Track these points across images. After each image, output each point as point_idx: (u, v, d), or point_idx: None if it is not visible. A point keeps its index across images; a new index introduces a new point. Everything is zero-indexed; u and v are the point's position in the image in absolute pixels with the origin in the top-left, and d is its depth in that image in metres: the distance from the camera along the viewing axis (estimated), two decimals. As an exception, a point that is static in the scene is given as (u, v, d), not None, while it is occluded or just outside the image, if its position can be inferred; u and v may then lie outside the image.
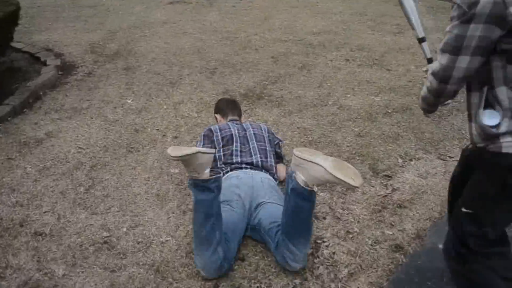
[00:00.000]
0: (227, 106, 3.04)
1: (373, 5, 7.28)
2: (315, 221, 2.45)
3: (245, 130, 2.76)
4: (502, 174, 1.47)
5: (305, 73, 4.48)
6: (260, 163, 2.58)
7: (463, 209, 1.61)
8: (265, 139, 2.74)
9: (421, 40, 1.90)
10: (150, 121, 3.59)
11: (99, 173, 2.93)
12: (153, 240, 2.36)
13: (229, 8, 7.32)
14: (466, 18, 1.34)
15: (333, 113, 3.66)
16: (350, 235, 2.35)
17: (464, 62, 1.40)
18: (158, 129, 3.45)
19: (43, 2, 8.13)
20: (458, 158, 2.98)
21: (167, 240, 2.36)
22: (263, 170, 2.56)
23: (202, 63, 4.78)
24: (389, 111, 3.71)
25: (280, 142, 2.90)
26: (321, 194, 2.67)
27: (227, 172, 2.54)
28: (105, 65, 4.77)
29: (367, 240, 2.31)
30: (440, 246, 2.25)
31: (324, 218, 2.47)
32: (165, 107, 3.82)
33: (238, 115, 3.00)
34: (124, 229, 2.45)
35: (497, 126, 1.42)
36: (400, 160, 3.01)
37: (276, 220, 2.15)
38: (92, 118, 3.65)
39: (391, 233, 2.36)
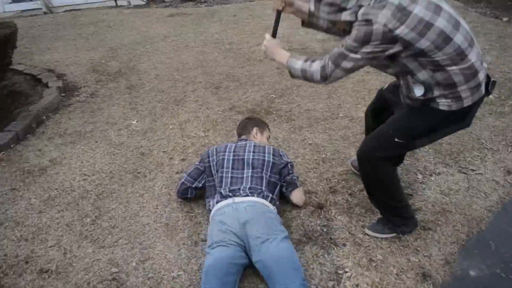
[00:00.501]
0: (237, 128, 2.94)
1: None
2: (335, 248, 2.32)
3: (243, 154, 2.56)
4: (430, 118, 2.02)
5: (313, 84, 4.34)
6: (248, 191, 2.37)
7: (396, 139, 2.08)
8: (264, 165, 2.52)
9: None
10: (156, 143, 3.47)
11: (105, 202, 2.81)
12: (163, 275, 2.24)
13: (230, 17, 7.23)
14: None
15: (345, 126, 3.53)
16: (373, 264, 2.20)
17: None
18: (164, 151, 3.33)
19: (43, 21, 8.08)
20: (480, 171, 2.87)
21: (178, 275, 2.23)
22: (251, 195, 2.35)
23: (206, 78, 4.67)
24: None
25: (289, 164, 2.63)
26: (339, 217, 2.53)
27: (213, 206, 2.39)
28: (107, 84, 4.67)
29: (392, 268, 2.17)
30: (472, 273, 2.11)
31: (344, 245, 2.34)
32: (171, 127, 3.70)
33: (247, 133, 2.84)
34: (133, 264, 2.32)
35: (423, 94, 1.97)
36: (419, 176, 2.87)
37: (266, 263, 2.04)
38: (96, 142, 3.54)
39: (417, 260, 2.22)
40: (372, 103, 2.61)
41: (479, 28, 6.12)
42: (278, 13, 2.34)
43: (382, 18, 1.76)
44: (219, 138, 3.47)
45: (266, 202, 2.34)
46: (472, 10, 7.31)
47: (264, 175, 2.48)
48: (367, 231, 2.41)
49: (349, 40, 1.87)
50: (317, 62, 2.04)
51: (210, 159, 2.61)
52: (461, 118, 2.04)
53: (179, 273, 2.24)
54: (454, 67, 1.86)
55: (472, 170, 2.92)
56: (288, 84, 4.41)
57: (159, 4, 9.48)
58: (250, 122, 2.90)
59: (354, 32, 1.84)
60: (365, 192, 2.69)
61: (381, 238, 2.36)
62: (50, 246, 2.48)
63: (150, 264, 2.31)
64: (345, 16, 1.88)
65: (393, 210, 2.33)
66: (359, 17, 1.82)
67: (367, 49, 1.83)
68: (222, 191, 2.41)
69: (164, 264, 2.31)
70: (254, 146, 2.62)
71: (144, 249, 2.42)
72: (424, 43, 1.80)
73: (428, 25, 1.78)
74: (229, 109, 3.95)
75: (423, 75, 1.92)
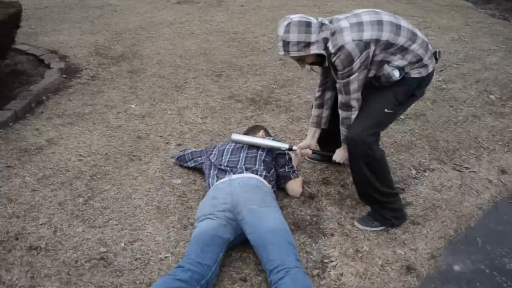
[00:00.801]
0: (245, 131, 3.04)
1: (384, 3, 7.12)
2: (322, 237, 2.32)
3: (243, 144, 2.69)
4: (408, 85, 2.32)
5: (314, 76, 4.33)
6: (244, 167, 2.47)
7: (386, 110, 2.29)
8: (260, 147, 2.63)
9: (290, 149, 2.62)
10: (153, 127, 3.48)
11: (99, 183, 2.83)
12: (151, 256, 2.25)
13: (237, 7, 7.20)
14: None
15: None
16: (359, 254, 2.21)
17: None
18: (161, 136, 3.34)
19: (50, 2, 8.08)
20: (474, 169, 2.87)
21: (166, 257, 2.25)
22: (247, 171, 2.43)
23: (208, 66, 4.66)
24: (402, 117, 3.54)
25: (287, 156, 2.69)
26: (329, 208, 2.54)
27: (211, 180, 2.48)
28: (109, 68, 4.67)
29: (377, 260, 2.18)
30: (456, 267, 2.12)
31: (332, 235, 2.34)
32: (169, 112, 3.71)
33: (253, 133, 2.91)
34: (122, 244, 2.34)
35: (400, 75, 2.27)
36: (413, 171, 2.87)
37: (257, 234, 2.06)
38: (94, 124, 3.55)
39: (402, 252, 2.22)
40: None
41: (486, 29, 6.07)
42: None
43: (348, 37, 2.15)
44: (216, 125, 3.48)
45: (261, 179, 2.39)
46: (481, 11, 7.25)
47: (258, 155, 2.56)
48: (356, 224, 2.41)
49: (339, 72, 2.22)
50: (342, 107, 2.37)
51: (212, 149, 2.76)
52: (426, 83, 2.41)
53: (167, 255, 2.26)
54: (414, 45, 2.24)
55: (467, 168, 2.91)
56: (290, 75, 4.40)
57: (167, -9, 9.45)
58: (258, 126, 3.03)
59: (338, 64, 2.19)
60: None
61: (370, 231, 2.36)
62: (41, 224, 2.50)
63: (139, 246, 2.33)
64: (313, 49, 2.18)
65: (383, 200, 2.34)
66: (332, 51, 2.17)
67: (356, 65, 2.16)
68: (222, 165, 2.51)
69: (152, 246, 2.32)
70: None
71: (134, 230, 2.43)
72: (385, 35, 2.18)
73: (379, 23, 2.18)
74: (229, 97, 3.95)
75: (396, 60, 2.25)
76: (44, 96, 4.03)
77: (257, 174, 2.42)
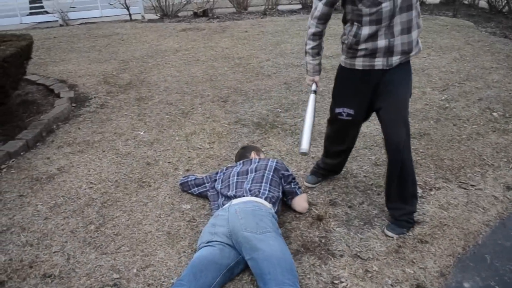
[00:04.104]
0: (235, 158, 3.10)
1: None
2: (332, 259, 2.35)
3: (249, 166, 2.75)
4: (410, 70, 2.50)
5: (319, 99, 4.41)
6: (248, 189, 2.51)
7: (407, 110, 2.47)
8: (267, 167, 2.69)
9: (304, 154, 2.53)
10: (162, 153, 3.54)
11: (110, 210, 2.88)
12: (163, 282, 2.28)
13: (241, 33, 7.35)
14: None
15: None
16: (369, 274, 2.23)
17: None
18: (170, 162, 3.40)
19: (59, 33, 8.30)
20: (480, 187, 2.89)
21: (178, 282, 2.27)
22: (250, 193, 2.47)
23: (214, 92, 4.76)
24: (406, 137, 3.60)
25: (291, 176, 2.76)
26: (337, 229, 2.57)
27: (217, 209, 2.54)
28: (118, 96, 4.78)
29: (387, 279, 2.19)
30: (466, 285, 2.13)
31: (341, 256, 2.37)
32: (177, 138, 3.78)
33: (248, 153, 3.00)
34: (134, 270, 2.37)
35: None
36: (419, 190, 2.89)
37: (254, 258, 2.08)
38: (104, 151, 3.62)
39: (412, 271, 2.24)
40: (347, 136, 2.80)
41: (487, 47, 6.15)
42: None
43: None
44: (223, 150, 3.53)
45: (261, 200, 2.42)
46: (482, 30, 7.35)
47: (265, 174, 2.62)
48: (388, 232, 2.51)
49: None
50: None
51: (215, 175, 2.82)
52: None
53: (178, 280, 2.29)
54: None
55: (472, 185, 2.93)
56: (295, 99, 4.48)
57: (172, 19, 9.68)
58: (247, 148, 3.09)
59: None
60: (364, 205, 2.74)
61: (400, 237, 2.49)
62: (54, 252, 2.54)
63: (151, 271, 2.36)
64: None
65: (415, 197, 2.56)
66: None
67: None
68: (229, 193, 2.53)
69: (164, 271, 2.36)
70: (259, 159, 2.83)
71: (146, 256, 2.47)
72: None
73: None
74: (235, 122, 4.02)
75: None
76: (55, 125, 4.12)
77: (258, 195, 2.46)
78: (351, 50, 2.44)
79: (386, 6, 2.23)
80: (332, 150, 2.88)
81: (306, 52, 2.60)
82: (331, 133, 2.83)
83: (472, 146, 3.44)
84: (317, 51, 2.57)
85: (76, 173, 3.33)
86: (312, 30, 2.49)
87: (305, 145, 2.44)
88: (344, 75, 2.58)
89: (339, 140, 2.81)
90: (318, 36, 2.51)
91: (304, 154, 2.48)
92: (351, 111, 2.59)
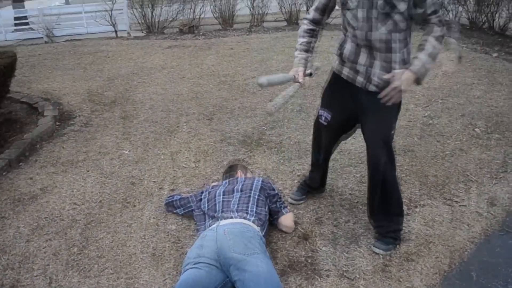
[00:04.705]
0: (223, 176, 3.08)
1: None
2: (318, 278, 2.33)
3: (234, 184, 2.74)
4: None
5: (304, 116, 4.43)
6: (235, 209, 2.50)
7: (392, 132, 2.41)
8: (253, 187, 2.68)
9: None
10: (147, 172, 3.51)
11: (93, 231, 2.84)
12: (148, 305, 2.25)
13: (227, 50, 7.39)
14: None
15: (333, 158, 3.56)
16: (356, 295, 2.22)
17: None
18: (154, 182, 3.37)
19: (44, 50, 8.25)
20: (464, 203, 2.91)
21: (163, 305, 2.24)
22: (237, 214, 2.45)
23: (199, 109, 4.75)
24: (391, 154, 3.63)
25: (278, 195, 2.77)
26: (323, 248, 2.56)
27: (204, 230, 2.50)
28: (102, 114, 4.75)
29: (373, 300, 2.19)
30: (451, 305, 2.13)
31: (328, 276, 2.36)
32: (162, 157, 3.75)
33: (234, 171, 2.99)
34: (118, 294, 2.33)
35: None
36: (404, 208, 2.89)
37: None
38: (88, 171, 3.58)
39: (398, 291, 2.24)
40: (322, 142, 2.80)
41: (469, 63, 6.26)
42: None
43: None
44: (209, 169, 3.52)
45: (249, 222, 2.40)
46: (463, 46, 7.48)
47: (251, 195, 2.60)
48: (376, 249, 2.51)
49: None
50: (430, 39, 2.19)
51: (200, 194, 2.80)
52: None
53: (163, 303, 2.25)
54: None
55: (457, 202, 2.96)
56: (280, 116, 4.49)
57: (158, 36, 9.70)
58: (234, 167, 3.09)
59: None
60: (350, 224, 2.74)
61: (388, 254, 2.48)
62: (36, 275, 2.49)
63: (135, 294, 2.32)
64: None
65: (401, 216, 2.58)
66: None
67: None
68: (216, 214, 2.51)
69: (148, 294, 2.32)
70: (245, 178, 2.82)
71: (130, 279, 2.43)
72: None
73: None
74: (221, 140, 4.01)
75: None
76: (38, 144, 4.07)
77: (246, 217, 2.43)
78: (340, 58, 2.46)
79: (355, 11, 2.22)
80: (313, 158, 2.94)
81: (295, 49, 2.56)
82: (312, 136, 2.89)
83: (456, 162, 3.47)
84: (306, 48, 2.51)
85: (59, 193, 3.28)
86: (305, 26, 2.51)
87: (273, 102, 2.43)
88: (333, 79, 2.60)
89: (315, 144, 2.86)
90: (308, 33, 2.51)
91: (260, 85, 2.36)
92: (329, 116, 2.61)
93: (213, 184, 2.91)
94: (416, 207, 2.93)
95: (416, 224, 2.75)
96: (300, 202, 3.00)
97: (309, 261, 2.48)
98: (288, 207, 2.84)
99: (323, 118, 2.65)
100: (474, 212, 2.86)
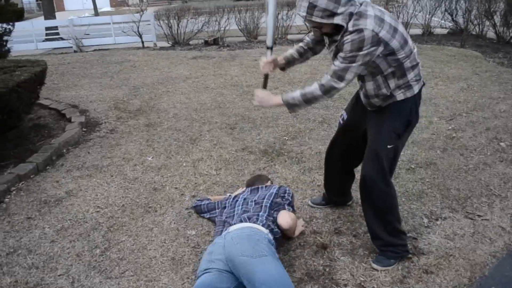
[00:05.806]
0: (248, 181, 3.13)
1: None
2: (336, 288, 2.33)
3: (257, 193, 2.80)
4: (401, 113, 2.40)
5: (325, 127, 4.45)
6: (246, 216, 2.52)
7: (388, 146, 2.38)
8: (267, 195, 2.71)
9: (269, 48, 2.71)
10: (169, 179, 3.58)
11: (115, 234, 2.90)
12: (166, 308, 2.28)
13: (250, 61, 7.47)
14: None
15: (355, 169, 3.58)
16: (373, 305, 2.21)
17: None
18: (176, 188, 3.43)
19: (73, 58, 8.50)
20: (487, 217, 2.87)
21: (181, 308, 2.27)
22: (244, 221, 2.47)
23: (222, 119, 4.81)
24: (412, 166, 3.61)
25: (287, 193, 2.82)
26: (342, 258, 2.55)
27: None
28: (127, 121, 4.85)
29: (391, 310, 2.17)
30: (471, 318, 2.10)
31: (345, 285, 2.35)
32: (184, 164, 3.81)
33: (260, 183, 3.02)
34: (138, 296, 2.37)
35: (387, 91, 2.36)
36: (425, 220, 2.88)
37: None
38: (112, 176, 3.67)
39: (417, 303, 2.22)
40: (336, 145, 2.85)
41: (495, 77, 6.18)
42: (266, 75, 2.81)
43: (370, 25, 2.14)
44: (230, 177, 3.56)
45: (257, 226, 2.42)
46: (490, 60, 7.40)
47: (264, 203, 2.64)
48: (374, 265, 2.46)
49: (345, 54, 2.20)
50: (314, 83, 2.35)
51: (225, 202, 2.85)
52: (417, 109, 2.44)
53: (181, 306, 2.28)
54: (407, 62, 2.29)
55: (479, 216, 2.91)
56: (302, 127, 4.51)
57: (184, 47, 9.88)
58: (264, 176, 3.17)
59: (348, 44, 2.17)
60: (369, 235, 2.72)
61: (387, 269, 2.45)
62: (59, 275, 2.56)
63: (154, 297, 2.36)
64: (337, 20, 2.18)
65: (398, 231, 2.51)
66: (350, 29, 2.16)
67: (362, 53, 2.16)
68: (231, 221, 2.53)
69: (167, 297, 2.36)
70: (265, 186, 2.89)
71: (149, 281, 2.47)
72: (394, 43, 2.20)
73: (395, 30, 2.22)
74: (242, 149, 4.05)
75: (388, 72, 2.31)
76: (65, 149, 4.19)
77: (256, 221, 2.46)
78: None
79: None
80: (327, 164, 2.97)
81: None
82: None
83: (479, 176, 3.43)
84: (291, 52, 2.76)
85: (84, 197, 3.37)
86: (297, 44, 2.74)
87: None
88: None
89: (331, 145, 2.90)
90: (296, 49, 2.73)
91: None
92: (345, 116, 2.75)
93: (237, 192, 2.95)
94: (437, 219, 2.90)
95: (436, 237, 2.72)
96: (319, 206, 3.06)
97: (327, 270, 2.48)
98: (295, 210, 2.85)
99: (342, 117, 2.79)
100: (496, 226, 2.81)
